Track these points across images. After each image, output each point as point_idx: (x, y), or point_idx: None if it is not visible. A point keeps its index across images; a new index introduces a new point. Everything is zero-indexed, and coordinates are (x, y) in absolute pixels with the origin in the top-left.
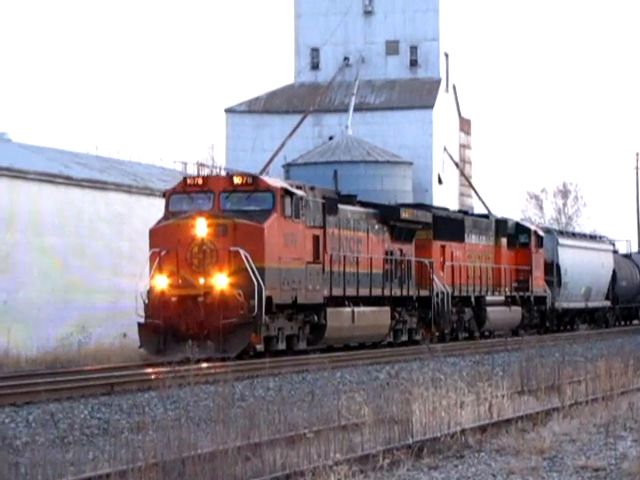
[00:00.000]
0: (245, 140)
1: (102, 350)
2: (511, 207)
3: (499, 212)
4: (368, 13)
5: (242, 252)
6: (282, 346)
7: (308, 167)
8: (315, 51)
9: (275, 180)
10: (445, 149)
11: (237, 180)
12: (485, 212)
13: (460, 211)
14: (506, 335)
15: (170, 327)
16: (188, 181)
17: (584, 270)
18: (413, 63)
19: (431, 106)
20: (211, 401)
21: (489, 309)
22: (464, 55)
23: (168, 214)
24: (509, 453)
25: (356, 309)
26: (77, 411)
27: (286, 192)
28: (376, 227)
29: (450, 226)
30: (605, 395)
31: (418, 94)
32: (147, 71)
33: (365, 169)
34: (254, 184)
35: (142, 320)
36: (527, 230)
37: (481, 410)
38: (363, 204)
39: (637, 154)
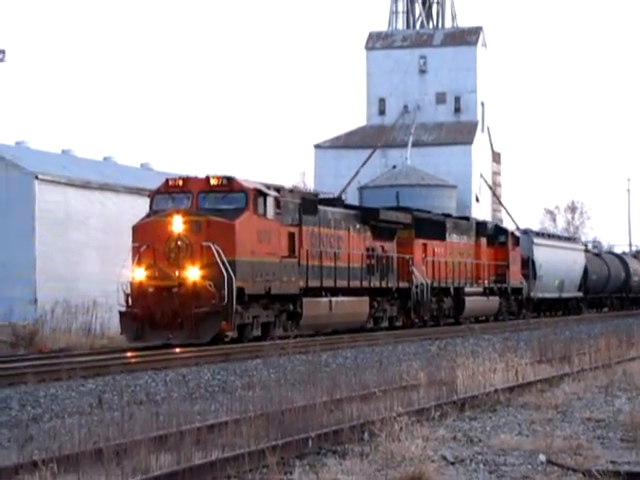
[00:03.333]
0: (328, 169)
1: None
2: (532, 220)
3: (522, 224)
4: (422, 72)
5: (213, 247)
6: (257, 332)
7: (376, 190)
8: (382, 101)
9: (249, 181)
10: (481, 175)
11: (213, 181)
12: (500, 223)
13: (443, 214)
14: (528, 317)
15: (147, 316)
16: (170, 182)
17: (558, 265)
18: (457, 110)
19: (470, 143)
20: (303, 367)
21: (467, 298)
22: (496, 103)
23: (151, 212)
24: (531, 408)
25: (334, 299)
26: (202, 374)
27: (259, 193)
28: (357, 226)
29: (431, 226)
30: (604, 364)
31: (460, 134)
32: (260, 119)
33: (420, 191)
34: (229, 185)
35: (123, 309)
36: (505, 231)
37: (509, 375)
38: (346, 206)
39: (628, 179)
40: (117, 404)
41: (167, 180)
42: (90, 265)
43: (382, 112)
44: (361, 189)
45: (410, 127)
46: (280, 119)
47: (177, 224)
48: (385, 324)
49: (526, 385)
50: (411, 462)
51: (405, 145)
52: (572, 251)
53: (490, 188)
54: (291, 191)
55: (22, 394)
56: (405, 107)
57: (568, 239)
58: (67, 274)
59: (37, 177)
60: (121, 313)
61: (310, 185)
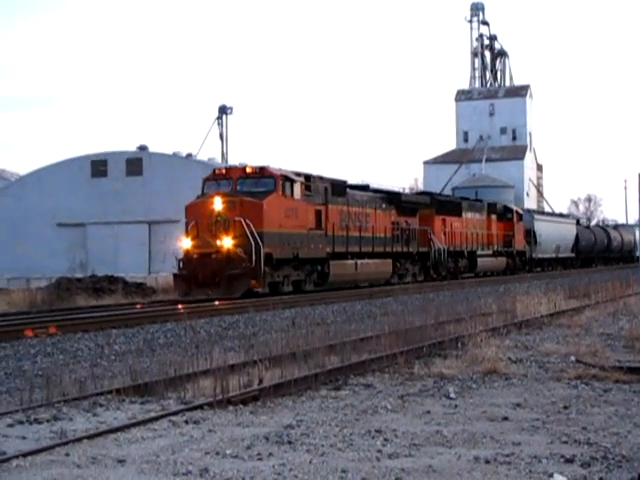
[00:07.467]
0: (432, 176)
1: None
2: (562, 207)
3: (558, 210)
4: (491, 114)
5: (243, 221)
6: (289, 289)
7: (463, 189)
8: (466, 133)
9: (279, 169)
10: (530, 179)
11: (249, 170)
12: (549, 209)
13: (461, 198)
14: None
15: (193, 276)
16: (216, 171)
17: (554, 234)
18: (514, 138)
19: (522, 159)
20: (419, 302)
21: (479, 259)
22: (539, 132)
23: (201, 195)
24: (564, 326)
25: (359, 261)
26: (354, 306)
27: (287, 178)
28: (383, 206)
29: (450, 206)
30: (612, 298)
31: (516, 153)
32: (394, 146)
33: (491, 190)
34: (261, 172)
35: (176, 271)
36: (511, 210)
37: (550, 305)
38: (375, 191)
39: (625, 180)
40: (303, 325)
41: (214, 170)
42: None
43: (466, 140)
44: (454, 189)
45: (484, 149)
46: (405, 144)
47: (217, 204)
48: (408, 279)
49: (561, 312)
50: (488, 361)
51: (481, 161)
52: (565, 224)
53: (535, 187)
54: (321, 178)
55: (246, 319)
56: (480, 137)
57: (563, 216)
58: None
59: None
60: (174, 275)
61: (421, 187)
